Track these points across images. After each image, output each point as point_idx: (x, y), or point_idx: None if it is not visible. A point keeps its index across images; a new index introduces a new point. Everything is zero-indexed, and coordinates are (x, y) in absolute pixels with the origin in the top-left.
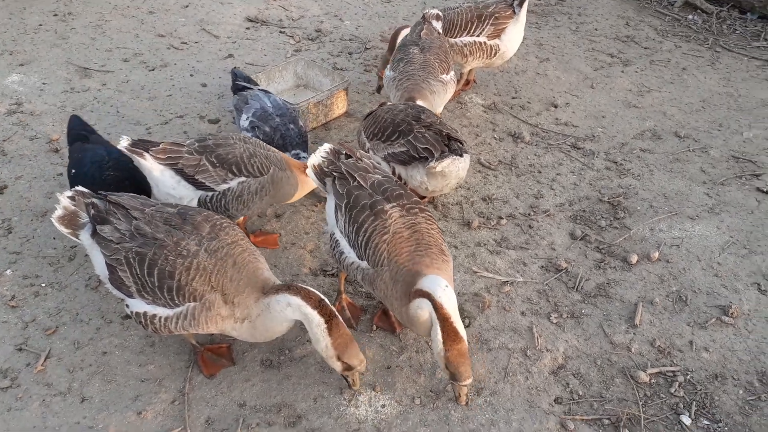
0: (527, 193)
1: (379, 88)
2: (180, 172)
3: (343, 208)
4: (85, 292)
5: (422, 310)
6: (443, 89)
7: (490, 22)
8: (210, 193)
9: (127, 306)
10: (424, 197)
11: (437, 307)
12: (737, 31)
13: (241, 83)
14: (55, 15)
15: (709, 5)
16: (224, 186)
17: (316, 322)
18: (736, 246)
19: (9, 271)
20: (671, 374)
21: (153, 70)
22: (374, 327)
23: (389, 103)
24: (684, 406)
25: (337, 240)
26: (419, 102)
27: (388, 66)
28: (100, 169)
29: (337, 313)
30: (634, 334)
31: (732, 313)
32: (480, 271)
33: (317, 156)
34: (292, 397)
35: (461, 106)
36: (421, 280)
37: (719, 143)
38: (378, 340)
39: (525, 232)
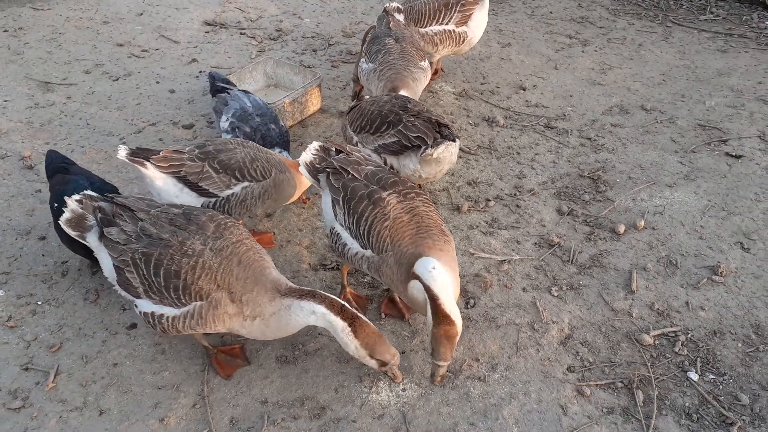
0: (510, 175)
1: (355, 95)
2: (183, 179)
3: (341, 202)
4: (85, 305)
5: (417, 291)
6: (424, 76)
7: (457, 9)
8: (213, 200)
9: (136, 306)
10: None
11: (426, 289)
12: (684, 6)
13: (220, 85)
14: (5, 31)
15: None
16: (228, 192)
17: (340, 327)
18: (715, 209)
19: (1, 291)
20: (673, 334)
21: (117, 80)
22: (383, 315)
23: (369, 96)
24: (689, 363)
25: (338, 233)
26: (403, 91)
27: (363, 59)
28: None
29: (360, 314)
30: (632, 299)
31: (721, 272)
32: (477, 253)
33: (308, 153)
34: (313, 390)
35: (433, 95)
36: (415, 263)
37: (684, 113)
38: (389, 327)
39: (514, 212)
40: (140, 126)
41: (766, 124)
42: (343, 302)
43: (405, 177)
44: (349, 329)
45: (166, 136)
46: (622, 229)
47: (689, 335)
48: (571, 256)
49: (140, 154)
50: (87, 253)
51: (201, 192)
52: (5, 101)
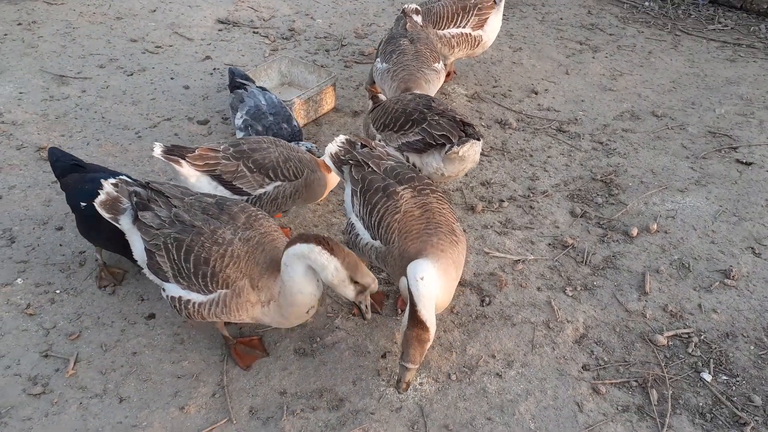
0: (523, 176)
1: (372, 102)
2: (217, 178)
3: (359, 193)
4: (103, 295)
5: (403, 289)
6: (437, 78)
7: (474, 13)
8: (245, 198)
9: (163, 290)
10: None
11: (409, 293)
12: (692, 16)
13: (239, 81)
14: (19, 24)
15: None
16: (260, 191)
17: (316, 250)
18: (727, 214)
19: (20, 279)
20: (686, 336)
21: (132, 74)
22: (399, 311)
23: (393, 95)
24: (702, 364)
25: (353, 223)
26: (416, 91)
27: (378, 59)
28: None
29: (333, 240)
30: (646, 301)
31: (733, 276)
32: (491, 252)
33: (334, 145)
34: (331, 382)
35: (445, 97)
36: (409, 264)
37: (695, 120)
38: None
39: (527, 212)
40: (155, 121)
41: None
42: (316, 233)
43: (427, 175)
44: (325, 250)
45: (181, 131)
46: (635, 231)
47: (702, 337)
48: (585, 257)
49: (176, 152)
50: (108, 243)
51: (234, 190)
52: (21, 93)
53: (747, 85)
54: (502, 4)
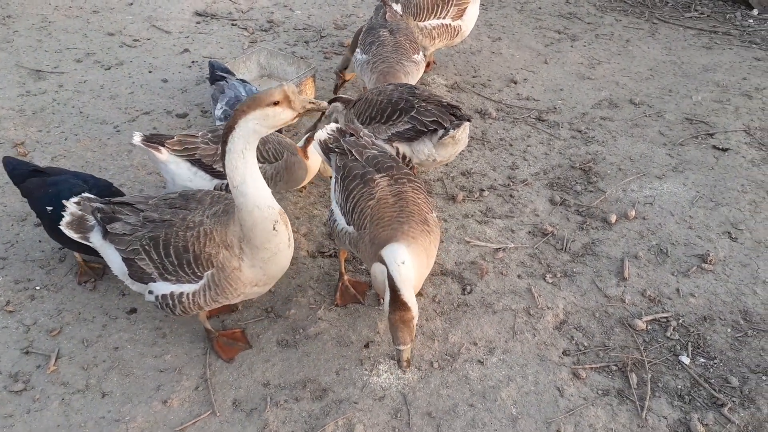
0: (503, 165)
1: (336, 88)
2: (197, 162)
3: (339, 180)
4: (83, 291)
5: (380, 273)
6: (416, 69)
7: (454, 3)
8: (226, 181)
9: (150, 292)
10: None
11: (388, 278)
12: (669, 4)
13: (219, 74)
14: None
15: None
16: None
17: (237, 117)
18: (704, 200)
19: None
20: (665, 320)
21: (109, 68)
22: (381, 300)
23: (373, 87)
24: (681, 348)
25: (332, 209)
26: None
27: (358, 49)
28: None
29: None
30: (624, 286)
31: (710, 261)
32: (472, 241)
33: (324, 132)
34: (314, 373)
35: (425, 87)
36: (384, 248)
37: (672, 107)
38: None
39: (507, 201)
40: (134, 115)
41: (751, 119)
42: None
43: (417, 163)
44: (247, 106)
45: (160, 125)
46: (613, 218)
47: (680, 321)
48: (565, 244)
49: (155, 140)
50: (79, 246)
51: (215, 174)
52: None
53: (723, 72)
54: None
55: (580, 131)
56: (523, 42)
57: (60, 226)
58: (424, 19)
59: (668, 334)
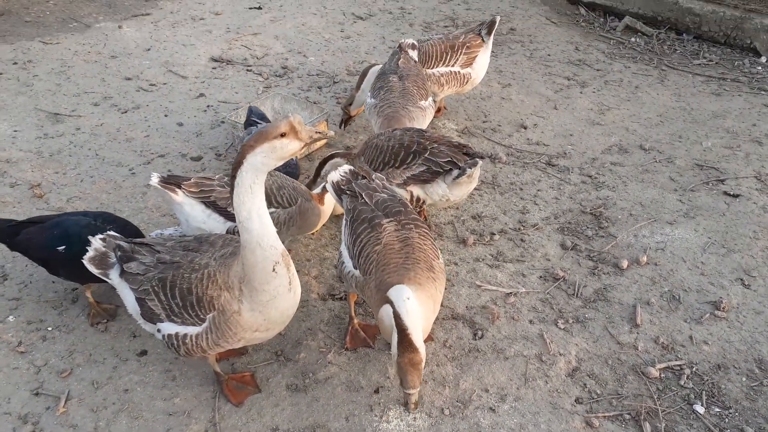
0: (513, 210)
1: (341, 123)
2: (212, 205)
3: (348, 222)
4: (95, 332)
5: (387, 317)
6: (422, 115)
7: (463, 51)
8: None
9: (159, 331)
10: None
11: (395, 316)
12: (677, 51)
13: (254, 119)
14: (15, 63)
15: (648, 28)
16: None
17: (247, 149)
18: (716, 246)
19: (11, 317)
20: (678, 368)
21: (126, 112)
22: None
23: (379, 131)
24: (695, 396)
25: (341, 251)
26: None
27: (369, 93)
28: (99, 231)
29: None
30: (637, 333)
31: (723, 308)
32: (483, 285)
33: (337, 173)
34: (323, 418)
35: (436, 132)
36: (390, 289)
37: (682, 153)
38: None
39: (518, 245)
40: (149, 157)
41: (761, 165)
42: None
43: (431, 204)
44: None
45: (174, 167)
46: (625, 264)
47: (694, 369)
48: (576, 289)
49: (171, 181)
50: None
51: (228, 216)
52: (15, 131)
53: (733, 118)
54: (491, 42)
55: (590, 176)
56: (533, 88)
57: (83, 260)
58: (433, 67)
59: (682, 382)
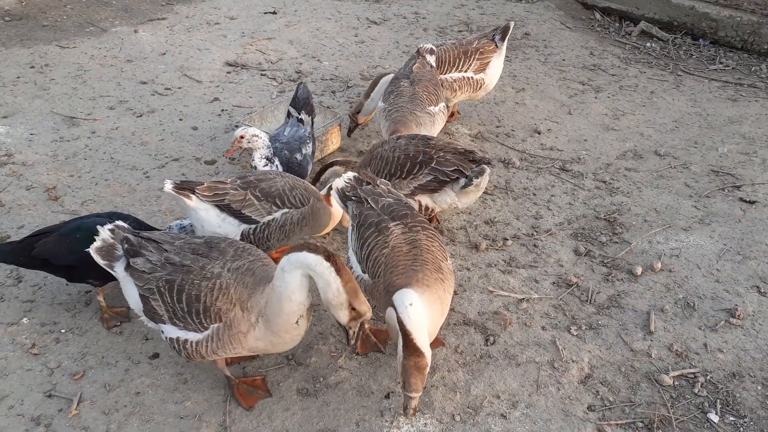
0: (526, 215)
1: (349, 131)
2: (226, 208)
3: (355, 228)
4: (108, 335)
5: (393, 320)
6: (431, 121)
7: (476, 57)
8: (253, 226)
9: (162, 332)
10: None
11: (398, 321)
12: (693, 56)
13: (290, 108)
14: (32, 67)
15: (664, 33)
16: (269, 218)
17: (325, 265)
18: (731, 253)
19: (25, 319)
20: (692, 376)
21: (141, 116)
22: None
23: (386, 135)
24: (709, 405)
25: (349, 257)
26: (404, 133)
27: (381, 98)
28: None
29: (341, 259)
30: (651, 340)
31: (738, 315)
32: (496, 290)
33: (341, 181)
34: (334, 423)
35: (449, 137)
36: (395, 293)
37: (697, 159)
38: None
39: (531, 251)
40: (163, 161)
41: None
42: (328, 249)
43: (439, 211)
44: (332, 267)
45: (188, 171)
46: (639, 270)
47: (708, 377)
48: (590, 296)
49: (185, 187)
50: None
51: (243, 219)
52: (32, 134)
53: (749, 124)
54: (504, 47)
55: (604, 182)
56: (547, 93)
57: (89, 250)
58: (446, 72)
59: (696, 390)
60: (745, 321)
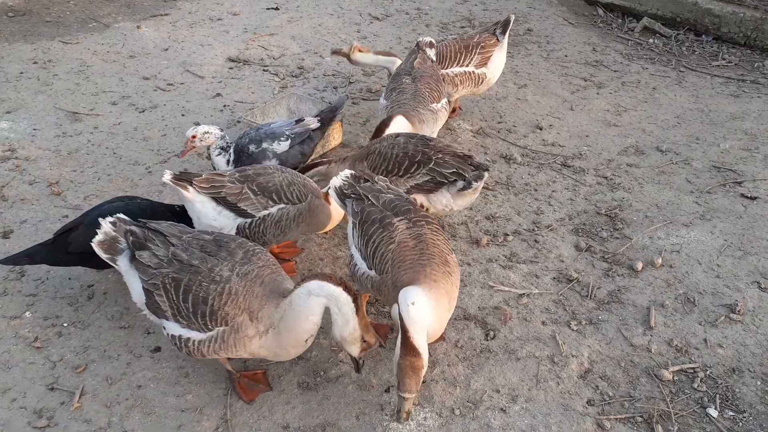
0: (527, 210)
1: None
2: (222, 201)
3: (357, 225)
4: (110, 329)
5: (397, 317)
6: (433, 117)
7: (477, 51)
8: (249, 220)
9: (164, 328)
10: None
11: (400, 318)
12: (696, 52)
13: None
14: (35, 63)
15: (666, 29)
16: (264, 212)
17: (344, 300)
18: (732, 248)
19: (28, 313)
20: (692, 371)
21: (143, 111)
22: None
23: (382, 138)
24: (708, 400)
25: (352, 255)
26: (406, 131)
27: (382, 95)
28: (143, 209)
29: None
30: (651, 335)
31: (739, 311)
32: (496, 285)
33: (339, 179)
34: (334, 416)
35: (451, 132)
36: (401, 290)
37: (699, 155)
38: None
39: (532, 246)
40: (165, 156)
41: None
42: (342, 277)
43: (434, 212)
44: (353, 305)
45: (190, 166)
46: (639, 266)
47: (708, 372)
48: (590, 291)
49: (184, 178)
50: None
51: (239, 212)
52: (35, 130)
53: (751, 120)
54: (506, 41)
55: (606, 177)
56: (549, 89)
57: (91, 243)
58: (447, 67)
59: (695, 385)
60: (745, 316)
